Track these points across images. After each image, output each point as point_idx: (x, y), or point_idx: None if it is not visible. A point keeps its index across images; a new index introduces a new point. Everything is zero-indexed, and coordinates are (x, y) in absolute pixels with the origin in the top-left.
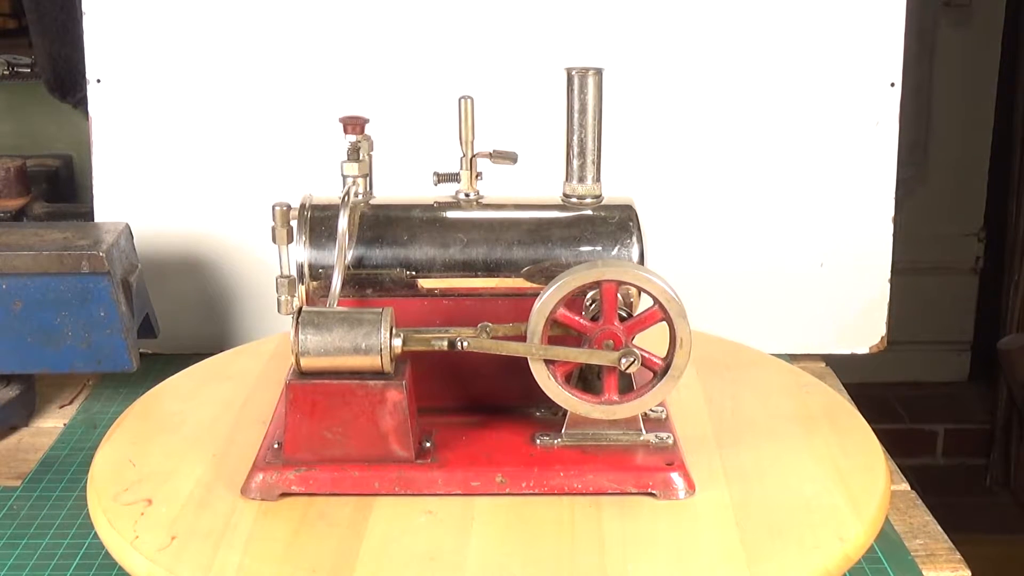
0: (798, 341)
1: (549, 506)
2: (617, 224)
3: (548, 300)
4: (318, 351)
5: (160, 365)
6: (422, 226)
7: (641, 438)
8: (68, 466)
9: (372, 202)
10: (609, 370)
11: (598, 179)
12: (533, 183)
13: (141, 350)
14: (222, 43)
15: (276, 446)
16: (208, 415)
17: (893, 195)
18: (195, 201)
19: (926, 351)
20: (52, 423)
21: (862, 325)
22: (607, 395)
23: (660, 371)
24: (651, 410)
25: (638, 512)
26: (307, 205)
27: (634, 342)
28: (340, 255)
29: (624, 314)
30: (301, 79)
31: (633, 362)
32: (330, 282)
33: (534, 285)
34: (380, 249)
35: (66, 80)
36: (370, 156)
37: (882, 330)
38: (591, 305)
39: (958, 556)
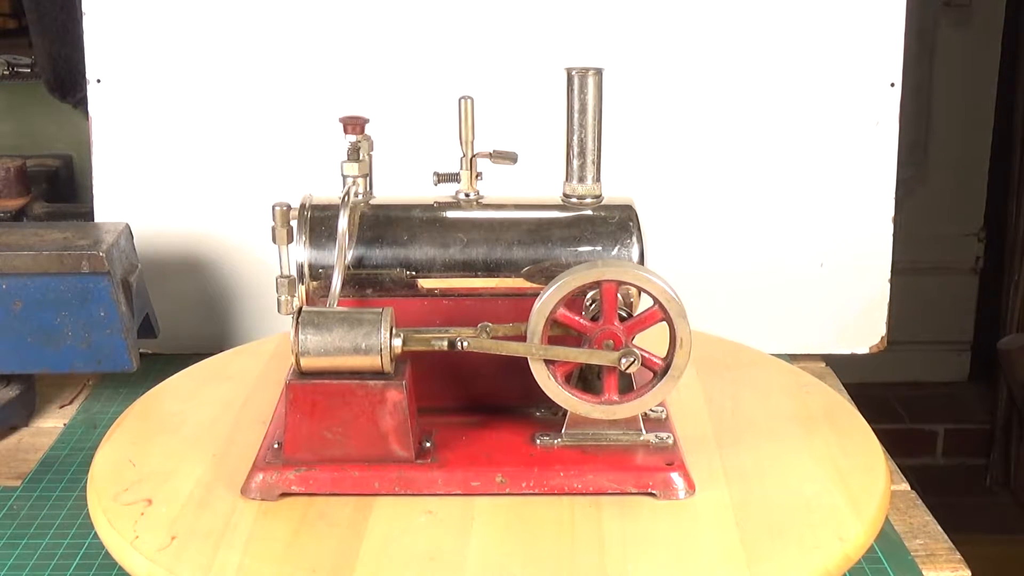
0: (798, 341)
1: (549, 506)
2: (617, 224)
3: (548, 300)
4: (318, 351)
5: (160, 365)
6: (422, 226)
7: (641, 438)
8: (68, 466)
9: (372, 202)
10: (609, 370)
11: (598, 179)
12: (533, 183)
13: (141, 350)
14: (222, 43)
15: (276, 446)
16: (208, 415)
17: (893, 195)
18: (195, 201)
19: (926, 351)
20: (52, 423)
21: (862, 325)
22: (607, 395)
23: (660, 371)
24: (651, 410)
25: (638, 512)
26: (307, 205)
27: (634, 342)
28: (340, 255)
29: (624, 314)
30: (301, 79)
31: (633, 362)
32: (330, 282)
33: (534, 285)
34: (380, 249)
35: (66, 80)
36: (370, 156)
37: (882, 330)
38: (591, 305)
39: (958, 556)
